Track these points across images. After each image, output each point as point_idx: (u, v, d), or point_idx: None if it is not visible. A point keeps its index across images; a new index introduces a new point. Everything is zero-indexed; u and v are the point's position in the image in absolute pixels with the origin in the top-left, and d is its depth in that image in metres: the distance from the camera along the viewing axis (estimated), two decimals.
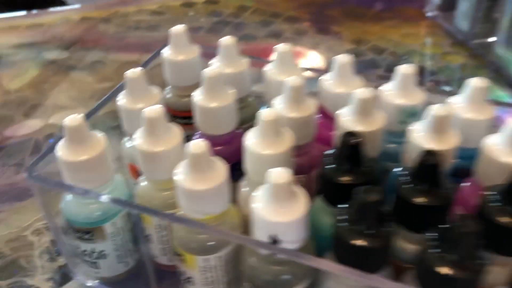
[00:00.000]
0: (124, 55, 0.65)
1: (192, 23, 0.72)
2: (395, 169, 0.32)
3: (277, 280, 0.27)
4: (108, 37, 0.69)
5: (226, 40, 0.37)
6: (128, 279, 0.36)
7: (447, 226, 0.23)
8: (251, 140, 0.29)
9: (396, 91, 0.33)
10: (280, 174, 0.25)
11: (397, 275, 0.28)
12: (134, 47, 0.67)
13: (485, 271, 0.23)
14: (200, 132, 0.35)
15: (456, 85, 0.58)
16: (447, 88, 0.57)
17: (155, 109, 0.29)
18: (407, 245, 0.28)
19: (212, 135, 0.34)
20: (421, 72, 0.60)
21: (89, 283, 0.36)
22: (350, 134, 0.27)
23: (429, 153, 0.26)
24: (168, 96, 0.41)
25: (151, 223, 0.33)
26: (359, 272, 0.24)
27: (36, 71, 0.63)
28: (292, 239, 0.26)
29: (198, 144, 0.27)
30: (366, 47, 0.65)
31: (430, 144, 0.29)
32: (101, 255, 0.33)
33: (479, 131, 0.31)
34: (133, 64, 0.35)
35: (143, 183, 0.33)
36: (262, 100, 0.39)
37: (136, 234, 0.35)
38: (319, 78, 0.35)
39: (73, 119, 0.29)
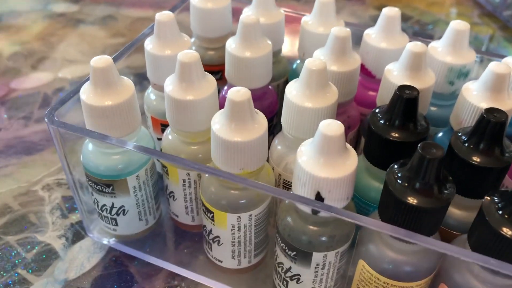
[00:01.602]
0: (137, 11, 0.62)
1: None
2: (441, 132, 0.30)
3: (317, 241, 0.25)
4: None
5: None
6: (146, 239, 0.34)
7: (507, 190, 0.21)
8: (293, 92, 0.27)
9: (446, 48, 0.31)
10: (333, 126, 0.23)
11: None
12: (148, 3, 0.63)
13: None
14: (230, 85, 0.33)
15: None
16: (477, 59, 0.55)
17: (190, 54, 0.27)
18: (454, 210, 0.26)
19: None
20: None
21: (105, 241, 0.34)
22: (406, 87, 0.25)
23: (493, 110, 0.23)
24: (193, 48, 0.38)
25: (177, 179, 0.30)
26: (414, 234, 0.22)
27: (44, 24, 0.59)
28: (339, 197, 0.24)
29: (239, 92, 0.24)
30: None
31: (488, 103, 0.27)
32: (121, 211, 0.31)
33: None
34: (147, 20, 0.33)
35: (169, 136, 0.30)
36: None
37: (158, 191, 0.33)
38: (364, 32, 0.33)
39: (100, 60, 0.27)
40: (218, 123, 0.25)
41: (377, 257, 0.25)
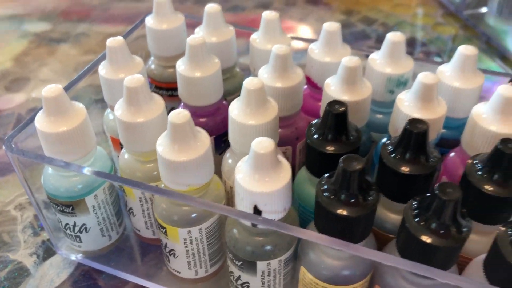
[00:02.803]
0: (109, 27, 0.63)
1: None
2: (383, 139, 0.32)
3: (260, 251, 0.27)
4: (92, 9, 0.68)
5: (211, 8, 0.36)
6: (112, 253, 0.35)
7: (429, 194, 0.22)
8: (236, 111, 0.29)
9: (384, 59, 0.33)
10: (264, 144, 0.24)
11: (379, 245, 0.28)
12: (119, 19, 0.65)
13: (465, 239, 0.22)
14: (184, 103, 0.34)
15: (447, 56, 0.57)
16: (438, 59, 0.56)
17: (136, 78, 0.28)
18: (389, 214, 0.28)
19: (197, 107, 0.34)
20: (412, 43, 0.59)
21: (73, 257, 0.35)
22: (335, 103, 0.27)
23: (415, 122, 0.25)
24: (152, 67, 0.39)
25: (134, 196, 0.32)
26: (341, 242, 0.24)
27: (19, 44, 0.61)
28: (275, 210, 0.25)
29: (180, 114, 0.26)
30: (357, 18, 0.64)
31: (417, 113, 0.29)
32: (83, 229, 0.33)
33: (468, 100, 0.31)
34: (119, 36, 0.34)
35: (125, 155, 0.32)
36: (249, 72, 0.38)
37: (119, 208, 0.34)
38: (308, 47, 0.34)
39: (51, 89, 0.28)
40: (162, 145, 0.27)
41: (315, 263, 0.26)
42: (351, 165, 0.23)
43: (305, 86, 0.36)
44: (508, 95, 0.27)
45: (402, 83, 0.32)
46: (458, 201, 0.22)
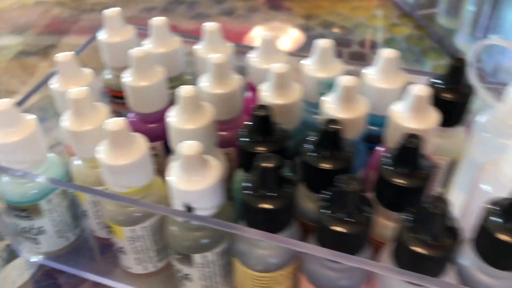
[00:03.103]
0: (78, 38, 0.66)
1: (147, 4, 0.73)
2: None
3: (195, 245, 0.29)
4: (62, 21, 0.70)
5: (157, 21, 0.38)
6: (71, 253, 0.37)
7: (338, 187, 0.25)
8: (173, 117, 0.31)
9: (315, 64, 0.35)
10: (190, 147, 0.27)
11: (305, 233, 0.30)
12: (88, 30, 0.67)
13: (368, 225, 0.25)
14: (132, 111, 0.37)
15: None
16: None
17: (79, 91, 0.31)
18: (310, 205, 0.31)
19: (145, 113, 0.36)
20: (368, 45, 0.61)
21: (34, 259, 0.38)
22: (261, 107, 0.29)
23: (330, 122, 0.28)
24: (108, 77, 0.42)
25: (85, 199, 0.34)
26: (265, 233, 0.26)
27: None
28: (204, 206, 0.28)
29: (115, 122, 0.28)
30: (316, 22, 0.66)
31: (340, 113, 0.31)
32: (40, 231, 0.35)
33: (390, 99, 0.33)
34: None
35: (77, 161, 0.34)
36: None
37: (75, 210, 0.37)
38: (247, 55, 0.37)
39: (0, 103, 0.30)
40: (102, 151, 0.29)
41: (244, 254, 0.29)
42: (266, 162, 0.25)
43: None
44: (420, 94, 0.30)
45: (331, 86, 0.35)
46: (358, 191, 0.24)
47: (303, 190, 0.31)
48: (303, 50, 0.60)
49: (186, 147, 0.27)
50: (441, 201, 0.24)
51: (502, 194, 0.26)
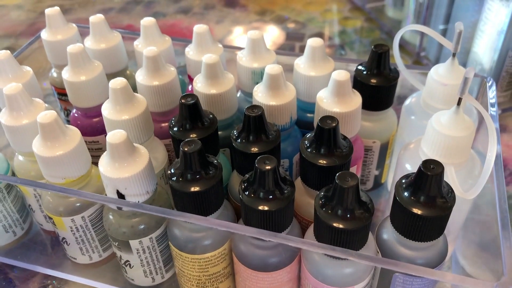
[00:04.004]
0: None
1: (105, 5, 0.73)
2: None
3: (131, 231, 0.30)
4: (19, 24, 0.70)
5: (95, 18, 0.39)
6: (20, 248, 0.38)
7: (257, 169, 0.26)
8: (106, 109, 0.32)
9: (249, 55, 0.36)
10: (114, 135, 0.28)
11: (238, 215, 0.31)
12: None
13: (287, 201, 0.26)
14: (74, 106, 0.37)
15: (350, 48, 0.61)
16: (342, 52, 0.61)
17: (12, 86, 0.31)
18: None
19: (86, 108, 0.37)
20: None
21: None
22: (188, 96, 0.30)
23: (251, 108, 0.29)
24: (54, 75, 0.43)
25: (29, 193, 0.35)
26: (196, 216, 0.28)
27: None
28: (136, 193, 0.29)
29: (46, 115, 0.29)
30: (270, 17, 0.68)
31: (270, 101, 0.32)
32: None
33: (319, 86, 0.35)
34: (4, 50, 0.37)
35: (20, 157, 0.35)
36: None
37: (22, 204, 0.37)
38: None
39: None
40: (36, 143, 0.30)
41: (178, 237, 0.30)
42: (185, 146, 0.27)
43: None
44: (339, 79, 0.31)
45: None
46: (275, 169, 0.26)
47: (235, 174, 0.32)
48: None
49: (111, 136, 0.28)
50: (351, 177, 0.25)
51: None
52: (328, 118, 0.28)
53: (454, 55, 0.33)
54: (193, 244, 0.30)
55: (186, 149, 0.27)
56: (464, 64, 0.50)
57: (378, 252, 0.29)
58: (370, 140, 0.37)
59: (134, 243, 0.31)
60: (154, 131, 0.35)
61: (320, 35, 0.64)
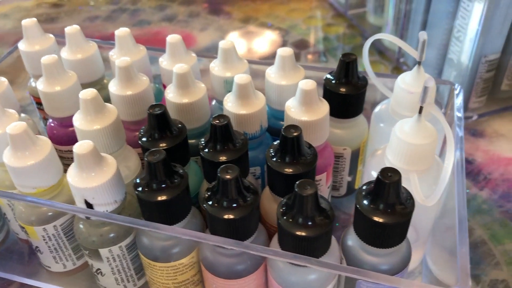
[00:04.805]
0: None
1: (91, 13, 0.74)
2: None
3: (100, 240, 0.31)
4: (5, 33, 0.71)
5: (71, 29, 0.39)
6: None
7: (219, 177, 0.27)
8: (77, 120, 0.33)
9: (221, 65, 0.37)
10: (82, 146, 0.28)
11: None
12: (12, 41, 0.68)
13: (249, 208, 0.27)
14: (49, 116, 0.38)
15: (332, 54, 0.62)
16: (323, 59, 0.61)
17: None
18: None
19: (61, 118, 0.37)
20: (302, 45, 0.64)
21: None
22: (156, 106, 0.31)
23: (217, 117, 0.29)
24: (33, 85, 0.43)
25: (2, 203, 0.36)
26: (160, 225, 0.28)
27: None
28: (104, 202, 0.29)
29: (15, 126, 0.30)
30: (254, 24, 0.68)
31: (240, 110, 0.33)
32: None
33: (289, 94, 0.35)
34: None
35: None
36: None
37: None
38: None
39: None
40: (7, 154, 0.30)
41: (146, 246, 0.30)
42: (150, 156, 0.27)
43: None
44: (305, 88, 0.32)
45: None
46: (237, 178, 0.26)
47: (205, 182, 0.33)
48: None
49: (78, 146, 0.28)
50: (310, 185, 0.25)
51: None
52: (292, 127, 0.29)
53: (419, 63, 0.33)
54: (161, 253, 0.30)
55: (150, 159, 0.27)
56: (440, 71, 0.50)
57: (342, 259, 0.29)
58: (340, 147, 0.37)
59: (103, 252, 0.31)
60: (128, 140, 0.36)
61: (302, 41, 0.64)
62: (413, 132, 0.29)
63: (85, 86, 0.38)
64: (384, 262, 0.28)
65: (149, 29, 0.69)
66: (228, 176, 0.26)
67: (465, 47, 0.45)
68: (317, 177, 0.35)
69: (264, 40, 0.65)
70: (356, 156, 0.38)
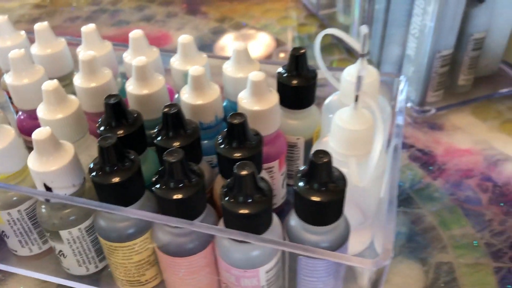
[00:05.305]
0: None
1: (72, 13, 0.76)
2: None
3: (60, 222, 0.33)
4: None
5: (40, 26, 0.41)
6: None
7: (165, 160, 0.29)
8: (40, 110, 0.35)
9: (181, 59, 0.39)
10: (40, 132, 0.30)
11: None
12: None
13: (195, 190, 0.29)
14: (21, 110, 0.40)
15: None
16: None
17: None
18: None
19: (30, 110, 0.39)
20: (276, 44, 0.66)
21: None
22: (111, 96, 0.33)
23: (168, 106, 0.32)
24: (3, 81, 0.45)
25: None
26: (113, 206, 0.30)
27: None
28: (62, 186, 0.31)
29: None
30: (229, 24, 0.71)
31: (196, 100, 0.35)
32: None
33: (243, 87, 0.37)
34: None
35: None
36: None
37: None
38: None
39: None
40: None
41: (102, 227, 0.32)
42: (102, 141, 0.29)
43: None
44: (255, 80, 0.34)
45: None
46: (181, 161, 0.28)
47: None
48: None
49: (37, 133, 0.30)
50: (248, 166, 0.28)
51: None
52: (237, 115, 0.31)
53: (362, 55, 0.35)
54: (116, 234, 0.32)
55: (101, 143, 0.29)
56: (400, 66, 0.53)
57: (286, 239, 0.31)
58: (294, 137, 0.39)
59: (64, 234, 0.33)
60: (93, 131, 0.37)
61: (276, 40, 0.66)
62: (351, 119, 0.31)
63: None
64: (323, 239, 0.30)
65: (127, 28, 0.71)
66: (173, 159, 0.28)
67: (420, 43, 0.48)
68: (270, 164, 0.37)
69: (238, 39, 0.67)
70: (309, 146, 0.40)
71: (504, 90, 0.54)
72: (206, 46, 0.66)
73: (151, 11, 0.75)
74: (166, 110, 0.31)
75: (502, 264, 0.39)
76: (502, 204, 0.44)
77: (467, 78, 0.51)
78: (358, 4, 0.58)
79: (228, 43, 0.67)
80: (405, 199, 0.45)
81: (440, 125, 0.52)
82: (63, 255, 0.35)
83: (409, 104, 0.52)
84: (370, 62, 0.59)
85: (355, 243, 0.36)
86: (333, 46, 0.65)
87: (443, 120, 0.53)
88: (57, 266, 0.38)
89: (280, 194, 0.40)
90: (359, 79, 0.29)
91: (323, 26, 0.68)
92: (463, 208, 0.44)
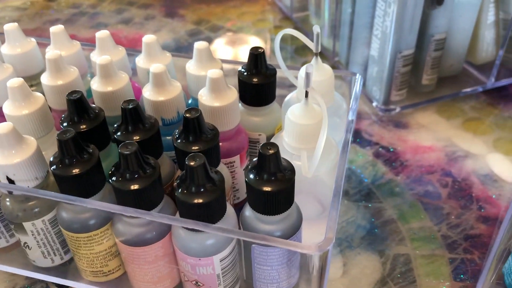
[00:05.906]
0: None
1: (51, 16, 0.77)
2: None
3: (23, 214, 0.34)
4: None
5: (9, 26, 0.43)
6: None
7: (121, 153, 0.30)
8: (8, 107, 0.36)
9: (145, 58, 0.40)
10: (2, 126, 0.31)
11: None
12: None
13: (150, 180, 0.30)
14: None
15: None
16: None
17: None
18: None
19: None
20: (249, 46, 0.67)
21: None
22: (74, 92, 0.34)
23: (126, 102, 0.33)
24: None
25: None
26: (73, 197, 0.31)
27: None
28: (25, 178, 0.32)
29: None
30: (205, 26, 0.72)
31: (157, 97, 0.36)
32: None
33: (205, 84, 0.39)
34: None
35: None
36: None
37: None
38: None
39: None
40: None
41: (63, 218, 0.34)
42: (61, 136, 0.30)
43: None
44: (213, 77, 0.35)
45: None
46: (136, 153, 0.29)
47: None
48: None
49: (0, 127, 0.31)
50: (198, 157, 0.29)
51: (285, 156, 0.31)
52: (192, 109, 0.32)
53: (316, 54, 0.37)
54: (78, 224, 0.33)
55: (60, 137, 0.30)
56: (366, 67, 0.54)
57: (240, 229, 0.33)
58: (256, 133, 0.40)
59: (27, 225, 0.34)
60: (59, 127, 0.39)
61: (251, 43, 0.68)
62: (301, 114, 0.33)
63: (25, 80, 0.41)
64: (276, 229, 0.32)
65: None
66: (127, 151, 0.29)
67: (382, 44, 0.49)
68: (231, 159, 0.38)
69: (213, 41, 0.69)
70: None
71: (468, 90, 0.56)
72: (182, 47, 0.67)
73: (130, 14, 0.76)
74: (124, 105, 0.33)
75: (456, 255, 0.41)
76: (460, 198, 0.45)
77: (431, 78, 0.53)
78: (327, 7, 0.59)
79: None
80: (366, 193, 0.46)
81: (405, 123, 0.54)
82: (28, 247, 0.36)
83: (374, 103, 0.54)
84: (339, 62, 0.60)
85: (315, 234, 0.37)
86: (306, 48, 0.66)
87: (408, 118, 0.54)
88: (25, 259, 0.40)
89: (243, 189, 0.41)
90: (307, 76, 0.31)
91: (296, 29, 0.70)
92: (423, 202, 0.45)
